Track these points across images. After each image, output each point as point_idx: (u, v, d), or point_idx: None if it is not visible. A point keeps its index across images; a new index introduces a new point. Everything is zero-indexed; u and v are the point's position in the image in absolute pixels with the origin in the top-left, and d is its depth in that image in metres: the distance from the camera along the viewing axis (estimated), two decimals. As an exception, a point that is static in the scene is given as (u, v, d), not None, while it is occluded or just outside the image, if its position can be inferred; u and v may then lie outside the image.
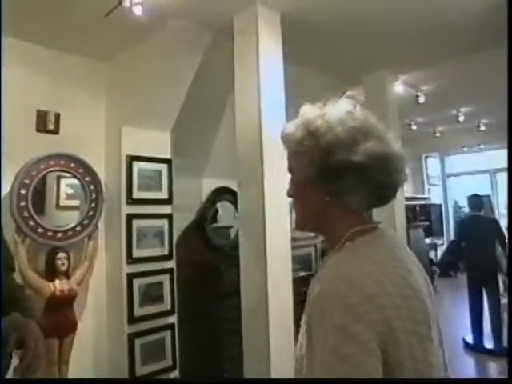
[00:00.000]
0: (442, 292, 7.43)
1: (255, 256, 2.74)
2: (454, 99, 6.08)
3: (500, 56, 4.57)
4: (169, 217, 3.55)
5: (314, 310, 0.77)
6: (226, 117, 3.76)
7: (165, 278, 3.48)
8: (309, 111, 0.94)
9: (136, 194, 3.37)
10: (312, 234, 7.38)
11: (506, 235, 4.80)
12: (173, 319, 3.53)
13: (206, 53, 3.19)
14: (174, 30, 3.02)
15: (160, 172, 3.52)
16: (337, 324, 0.72)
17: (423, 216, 8.27)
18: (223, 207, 4.33)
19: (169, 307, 3.49)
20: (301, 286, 4.16)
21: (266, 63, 2.69)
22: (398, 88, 4.82)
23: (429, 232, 8.32)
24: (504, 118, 7.50)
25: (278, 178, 2.75)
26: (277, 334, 2.69)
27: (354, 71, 4.22)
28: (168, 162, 3.57)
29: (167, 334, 3.47)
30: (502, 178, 10.04)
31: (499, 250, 4.82)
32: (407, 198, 6.38)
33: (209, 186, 4.19)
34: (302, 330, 0.84)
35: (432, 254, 8.70)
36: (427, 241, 8.34)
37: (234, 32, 2.84)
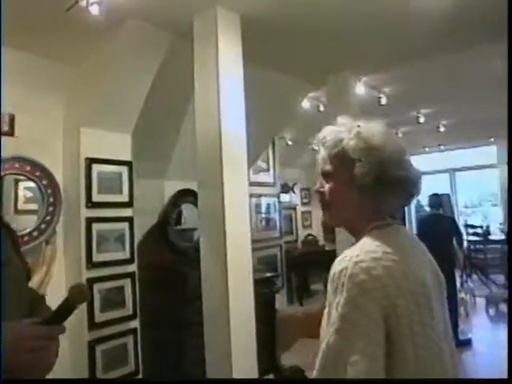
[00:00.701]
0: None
1: (215, 258, 2.74)
2: (414, 101, 6.25)
3: (458, 59, 4.76)
4: (130, 220, 3.49)
5: (332, 286, 0.95)
6: (189, 118, 3.74)
7: (126, 283, 3.43)
8: (352, 123, 1.10)
9: (96, 197, 3.30)
10: (277, 235, 7.48)
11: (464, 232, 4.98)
12: (135, 324, 3.48)
13: (167, 54, 3.17)
14: (132, 30, 2.98)
15: (120, 174, 3.46)
16: (347, 297, 0.89)
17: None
18: (188, 209, 4.30)
19: (130, 312, 3.43)
20: (267, 287, 4.20)
21: (226, 65, 2.69)
22: (360, 89, 4.91)
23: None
24: (462, 119, 7.78)
25: (237, 179, 2.76)
26: (238, 335, 2.70)
27: (317, 73, 4.27)
28: (129, 164, 3.51)
29: (129, 340, 3.41)
30: (461, 177, 10.43)
31: (455, 246, 5.02)
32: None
33: (171, 188, 4.15)
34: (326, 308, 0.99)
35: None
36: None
37: (193, 34, 2.83)
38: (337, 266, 0.95)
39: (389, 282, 0.90)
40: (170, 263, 3.84)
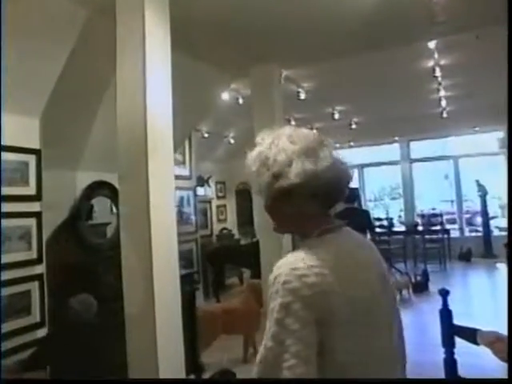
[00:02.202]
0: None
1: (139, 255, 2.53)
2: (331, 97, 6.46)
3: (373, 59, 4.98)
4: (37, 215, 3.14)
5: (269, 291, 0.96)
6: (107, 101, 3.43)
7: (33, 286, 3.08)
8: (260, 141, 1.11)
9: (-5, 190, 2.90)
10: (192, 229, 7.33)
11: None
12: (43, 332, 3.13)
13: (84, 31, 2.86)
14: (44, 4, 2.63)
15: (27, 164, 3.11)
16: (282, 302, 0.92)
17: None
18: (98, 202, 3.98)
19: (38, 319, 3.10)
20: (187, 284, 4.04)
21: (153, 46, 2.47)
22: (281, 83, 4.92)
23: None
24: (371, 118, 8.20)
25: (163, 171, 2.57)
26: (165, 336, 2.54)
27: (240, 63, 4.19)
28: (36, 152, 3.17)
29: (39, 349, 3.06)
30: (369, 172, 11.10)
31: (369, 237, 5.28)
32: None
33: (84, 179, 3.80)
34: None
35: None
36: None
37: (116, 12, 2.55)
38: (274, 272, 0.98)
39: (322, 289, 0.92)
40: (81, 262, 3.52)
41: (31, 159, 3.12)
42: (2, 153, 2.92)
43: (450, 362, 1.70)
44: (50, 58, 2.86)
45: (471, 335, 1.56)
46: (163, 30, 2.53)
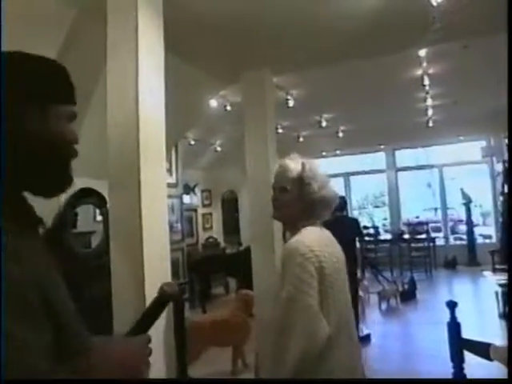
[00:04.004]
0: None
1: (130, 266, 2.41)
2: (319, 105, 6.42)
3: (363, 67, 4.96)
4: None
5: (286, 259, 1.48)
6: (95, 105, 3.31)
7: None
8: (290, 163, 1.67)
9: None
10: (178, 238, 7.19)
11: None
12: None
13: (70, 32, 2.74)
14: (29, 4, 2.52)
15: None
16: (297, 263, 1.43)
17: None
18: (81, 210, 3.84)
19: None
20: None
21: (146, 50, 2.36)
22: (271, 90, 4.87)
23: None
24: (358, 126, 8.20)
25: (156, 178, 2.46)
26: (156, 351, 2.41)
27: (229, 69, 4.11)
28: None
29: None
30: (355, 181, 11.12)
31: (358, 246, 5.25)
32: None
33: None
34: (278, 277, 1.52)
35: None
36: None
37: (107, 11, 2.45)
38: (289, 247, 1.51)
39: (318, 254, 1.46)
40: (67, 273, 3.36)
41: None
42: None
43: (460, 377, 1.62)
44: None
45: (483, 350, 1.49)
46: (156, 32, 2.43)
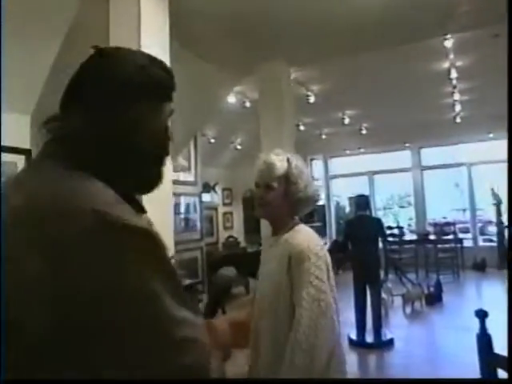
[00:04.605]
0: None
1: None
2: (341, 101, 6.23)
3: (384, 59, 4.75)
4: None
5: (299, 258, 1.50)
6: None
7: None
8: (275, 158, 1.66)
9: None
10: (197, 237, 7.10)
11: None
12: None
13: (77, 18, 2.66)
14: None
15: (15, 165, 2.89)
16: (312, 262, 1.48)
17: (310, 217, 8.44)
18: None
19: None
20: (189, 296, 3.80)
21: (150, 35, 2.25)
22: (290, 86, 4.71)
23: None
24: (382, 123, 7.94)
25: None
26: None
27: (244, 61, 3.97)
28: (26, 152, 2.97)
29: None
30: (379, 179, 10.83)
31: (381, 247, 5.04)
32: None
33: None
34: (276, 266, 1.56)
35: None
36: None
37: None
38: (302, 245, 1.52)
39: (325, 252, 1.55)
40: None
41: (20, 160, 2.92)
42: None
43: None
44: (41, 47, 2.66)
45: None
46: (162, 17, 2.32)
